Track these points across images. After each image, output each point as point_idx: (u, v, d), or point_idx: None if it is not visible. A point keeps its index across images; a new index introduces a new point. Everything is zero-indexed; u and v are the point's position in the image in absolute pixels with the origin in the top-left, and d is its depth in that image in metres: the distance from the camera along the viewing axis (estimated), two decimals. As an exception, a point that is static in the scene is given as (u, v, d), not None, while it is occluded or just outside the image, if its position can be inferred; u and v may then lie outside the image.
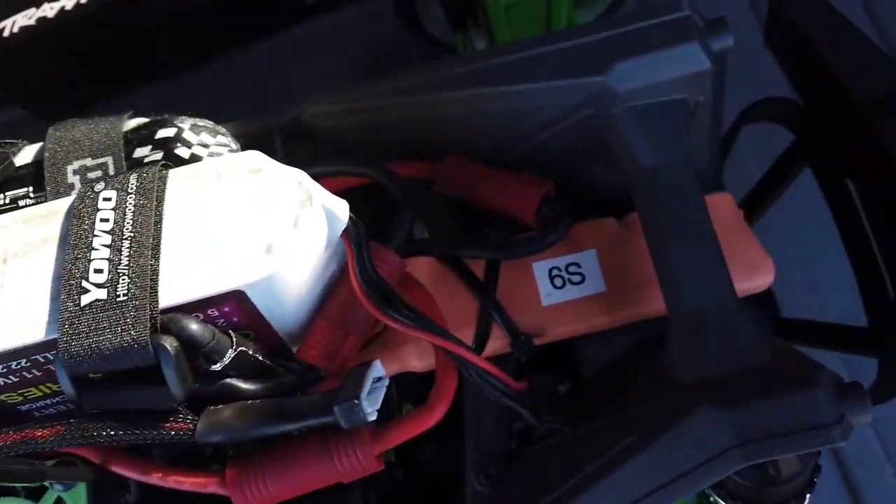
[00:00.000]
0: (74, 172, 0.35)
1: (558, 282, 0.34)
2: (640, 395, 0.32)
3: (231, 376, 0.29)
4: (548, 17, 0.49)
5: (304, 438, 0.28)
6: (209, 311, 0.28)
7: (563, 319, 0.34)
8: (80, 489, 0.31)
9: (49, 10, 0.56)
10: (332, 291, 0.31)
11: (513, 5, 0.50)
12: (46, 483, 0.30)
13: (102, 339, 0.27)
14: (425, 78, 0.36)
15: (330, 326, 0.30)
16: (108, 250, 0.28)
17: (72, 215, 0.30)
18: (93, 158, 0.35)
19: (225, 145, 0.37)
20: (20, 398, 0.31)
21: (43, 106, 0.62)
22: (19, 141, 0.38)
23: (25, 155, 0.37)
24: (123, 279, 0.28)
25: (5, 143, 0.38)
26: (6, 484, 0.29)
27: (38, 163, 0.36)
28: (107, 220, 0.29)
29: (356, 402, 0.26)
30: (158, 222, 0.29)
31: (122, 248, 0.28)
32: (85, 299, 0.27)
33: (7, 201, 0.35)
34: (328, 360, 0.30)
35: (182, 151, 0.35)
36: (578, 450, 0.32)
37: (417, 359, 0.33)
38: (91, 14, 0.56)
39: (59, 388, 0.31)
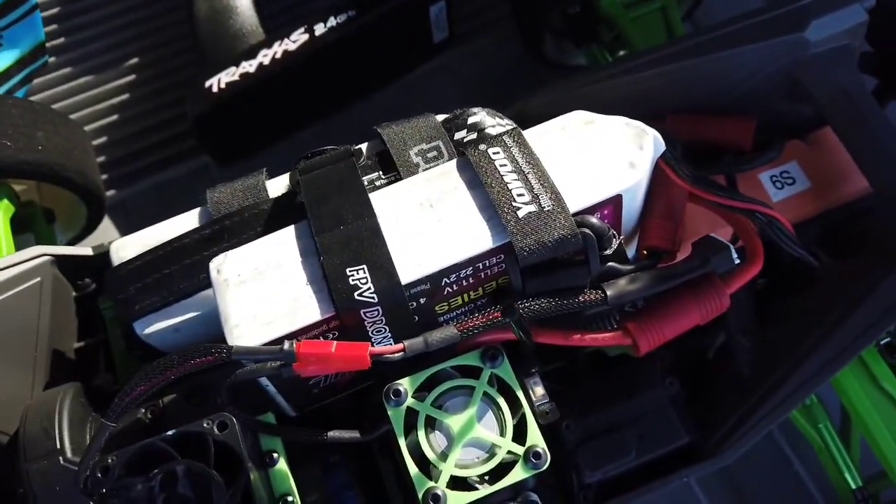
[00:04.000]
0: (416, 154, 0.46)
1: (778, 185, 0.48)
2: (864, 257, 0.45)
3: (612, 260, 0.40)
4: (667, 21, 0.64)
5: (678, 294, 0.40)
6: (595, 215, 0.40)
7: (788, 209, 0.47)
8: (506, 366, 0.40)
9: (249, 67, 0.67)
10: (651, 201, 0.43)
11: (636, 17, 0.65)
12: (482, 364, 0.40)
13: (545, 235, 0.38)
14: (649, 58, 0.50)
15: (663, 221, 0.42)
16: (519, 182, 0.40)
17: (469, 169, 0.41)
18: (426, 143, 0.46)
19: (509, 122, 0.49)
20: (447, 307, 0.41)
21: (224, 153, 0.72)
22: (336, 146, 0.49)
23: (364, 150, 0.48)
24: (543, 196, 0.39)
25: (332, 147, 0.48)
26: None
27: (380, 153, 0.47)
28: (505, 165, 0.41)
29: (728, 251, 0.38)
30: (539, 160, 0.41)
31: (529, 178, 0.40)
32: (521, 213, 0.38)
33: (366, 183, 0.45)
34: (669, 243, 0.42)
35: (490, 130, 0.47)
36: (823, 297, 0.45)
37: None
38: (284, 66, 0.67)
39: (475, 296, 0.42)
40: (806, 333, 0.44)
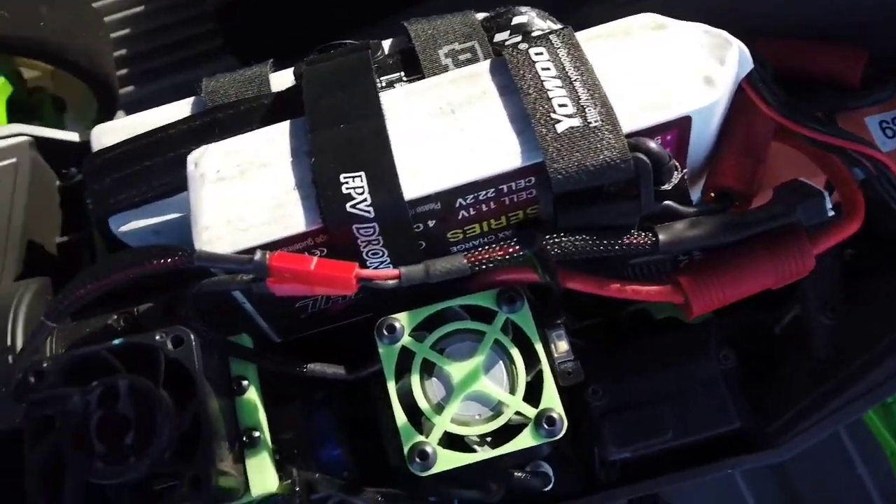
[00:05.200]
0: (446, 55, 0.39)
1: (889, 133, 0.39)
2: None
3: (670, 198, 0.33)
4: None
5: (749, 247, 0.32)
6: (655, 139, 0.32)
7: (899, 163, 0.38)
8: (525, 312, 0.34)
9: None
10: (728, 132, 0.35)
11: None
12: (496, 307, 0.33)
13: (587, 157, 0.30)
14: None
15: (741, 157, 0.34)
16: (563, 90, 0.32)
17: (504, 71, 0.34)
18: (459, 43, 0.39)
19: (560, 25, 0.41)
20: (461, 235, 0.34)
21: (250, 54, 0.65)
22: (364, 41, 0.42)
23: (386, 47, 0.41)
24: (590, 109, 0.31)
25: (352, 42, 0.41)
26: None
27: (404, 51, 0.40)
28: (548, 69, 0.33)
29: (821, 198, 0.30)
30: (591, 67, 0.33)
31: (576, 86, 0.32)
32: (560, 127, 0.31)
33: (384, 84, 0.38)
34: (746, 185, 0.34)
35: (537, 33, 0.39)
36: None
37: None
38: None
39: (497, 225, 0.35)
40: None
